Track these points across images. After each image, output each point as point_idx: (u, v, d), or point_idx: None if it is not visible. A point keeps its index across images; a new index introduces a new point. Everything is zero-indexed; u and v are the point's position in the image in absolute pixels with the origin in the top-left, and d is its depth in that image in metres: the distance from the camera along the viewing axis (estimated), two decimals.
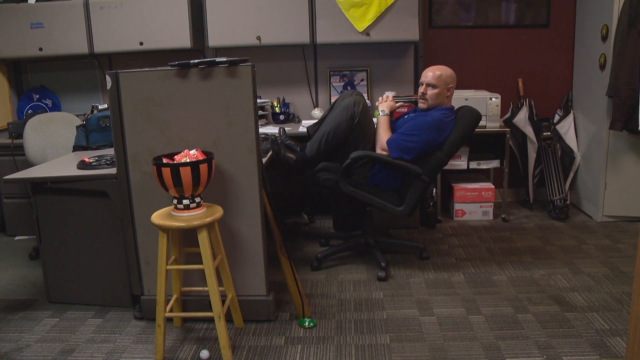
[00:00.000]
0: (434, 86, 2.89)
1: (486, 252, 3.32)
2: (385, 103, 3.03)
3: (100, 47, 3.81)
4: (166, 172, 2.08)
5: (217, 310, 2.17)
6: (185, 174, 2.08)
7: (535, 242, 3.44)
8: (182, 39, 3.74)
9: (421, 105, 2.97)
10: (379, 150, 2.91)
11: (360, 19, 3.64)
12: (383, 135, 2.91)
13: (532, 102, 4.17)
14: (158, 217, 2.20)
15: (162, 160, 2.17)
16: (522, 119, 3.99)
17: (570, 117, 4.07)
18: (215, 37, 3.75)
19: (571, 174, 4.04)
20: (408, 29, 3.65)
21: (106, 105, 3.18)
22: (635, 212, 3.72)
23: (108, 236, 2.62)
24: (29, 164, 3.20)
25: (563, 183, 3.95)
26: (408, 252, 3.32)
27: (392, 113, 3.04)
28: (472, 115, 2.89)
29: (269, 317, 2.53)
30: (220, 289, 2.33)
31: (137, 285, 2.57)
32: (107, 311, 2.69)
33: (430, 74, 2.90)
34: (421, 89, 2.94)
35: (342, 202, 3.38)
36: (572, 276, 2.92)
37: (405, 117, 3.04)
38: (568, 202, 3.91)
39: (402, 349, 2.27)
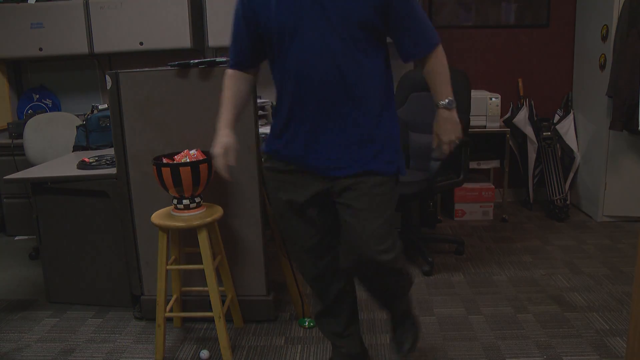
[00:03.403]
0: None
1: (486, 252, 3.32)
2: None
3: (100, 47, 3.80)
4: (166, 172, 2.08)
5: (217, 310, 2.17)
6: (185, 174, 2.08)
7: (535, 242, 3.44)
8: (182, 39, 3.73)
9: None
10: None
11: None
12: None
13: (532, 102, 4.16)
14: (158, 217, 2.20)
15: (162, 160, 2.17)
16: (522, 119, 3.98)
17: (570, 117, 4.07)
18: (215, 37, 3.75)
19: (571, 174, 4.04)
20: None
21: (106, 105, 3.18)
22: (635, 212, 3.72)
23: (108, 236, 2.61)
24: (29, 164, 3.20)
25: (563, 183, 3.95)
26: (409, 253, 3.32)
27: None
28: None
29: (269, 317, 2.53)
30: (220, 289, 2.33)
31: (137, 285, 2.57)
32: (107, 311, 2.68)
33: None
34: None
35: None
36: (572, 276, 2.92)
37: None
38: (568, 202, 3.91)
39: None
